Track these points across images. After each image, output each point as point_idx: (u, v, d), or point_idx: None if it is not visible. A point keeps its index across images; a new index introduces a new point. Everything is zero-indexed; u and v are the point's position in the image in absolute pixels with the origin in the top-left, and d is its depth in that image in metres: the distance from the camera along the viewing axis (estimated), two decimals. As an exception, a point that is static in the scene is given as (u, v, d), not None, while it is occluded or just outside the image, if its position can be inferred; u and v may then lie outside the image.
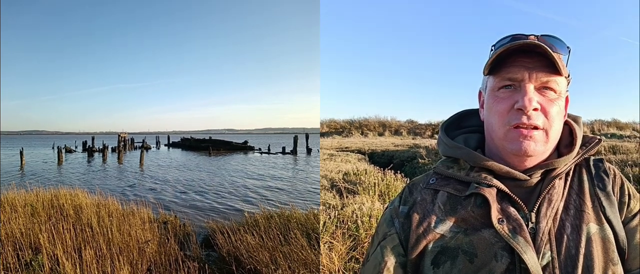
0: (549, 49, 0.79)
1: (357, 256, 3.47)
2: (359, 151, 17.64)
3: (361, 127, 34.33)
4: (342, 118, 35.88)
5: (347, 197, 5.69)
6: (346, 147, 19.69)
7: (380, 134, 32.33)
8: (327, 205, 5.03)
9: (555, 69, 0.81)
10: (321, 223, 3.97)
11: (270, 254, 3.58)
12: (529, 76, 0.81)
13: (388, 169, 7.55)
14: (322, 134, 29.36)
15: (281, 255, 3.51)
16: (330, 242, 3.56)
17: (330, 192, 6.33)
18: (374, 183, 6.55)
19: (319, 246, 3.82)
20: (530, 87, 0.81)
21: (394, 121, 35.34)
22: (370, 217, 4.18)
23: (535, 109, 0.80)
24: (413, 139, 26.83)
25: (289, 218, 4.78)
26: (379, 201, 5.51)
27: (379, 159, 14.80)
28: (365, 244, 3.67)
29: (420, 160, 13.44)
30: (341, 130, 33.86)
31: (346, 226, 3.91)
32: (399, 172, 7.56)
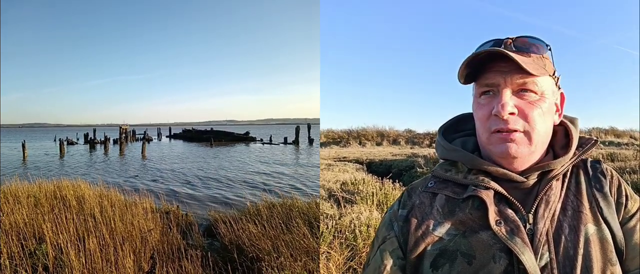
0: (517, 54, 0.80)
1: (355, 266, 3.45)
2: (357, 161, 17.62)
3: (359, 137, 34.36)
4: (340, 128, 35.96)
5: (345, 206, 5.64)
6: (344, 157, 19.69)
7: (379, 144, 32.37)
8: (325, 215, 5.02)
9: (527, 71, 0.80)
10: (319, 233, 3.96)
11: (272, 242, 3.60)
12: (504, 80, 0.82)
13: (386, 179, 7.55)
14: (320, 145, 29.32)
15: (283, 243, 3.53)
16: (327, 252, 3.54)
17: (328, 202, 6.29)
18: (372, 193, 6.51)
19: (321, 233, 3.84)
20: (507, 92, 0.81)
21: (392, 130, 35.42)
22: (368, 226, 4.15)
23: (512, 113, 0.81)
24: (411, 148, 26.91)
25: (291, 206, 4.80)
26: (377, 210, 5.45)
27: (377, 168, 14.79)
28: (363, 254, 3.65)
29: (418, 169, 13.44)
30: (339, 140, 33.89)
31: (344, 236, 3.90)
32: (397, 181, 7.55)
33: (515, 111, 0.81)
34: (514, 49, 0.83)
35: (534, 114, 0.82)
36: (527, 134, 0.82)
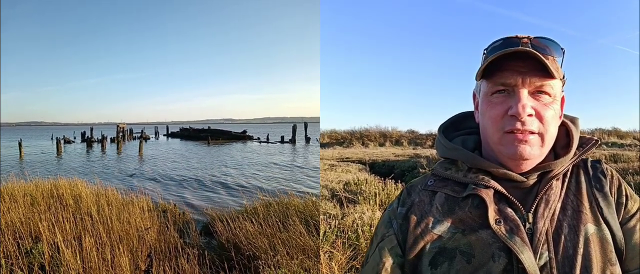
0: (540, 55, 0.78)
1: (358, 266, 3.46)
2: (360, 161, 17.56)
3: (362, 137, 34.20)
4: (343, 129, 35.73)
5: (347, 206, 5.68)
6: (347, 158, 19.62)
7: (381, 145, 32.19)
8: (328, 215, 5.03)
9: (548, 73, 0.80)
10: (321, 232, 3.95)
11: (269, 240, 3.61)
12: (522, 80, 0.80)
13: (389, 179, 7.58)
14: (323, 145, 29.19)
15: (280, 242, 3.55)
16: (330, 251, 3.55)
17: (331, 202, 6.31)
18: (375, 193, 6.57)
19: (317, 232, 3.85)
20: (524, 93, 0.80)
21: (394, 131, 35.17)
22: (370, 226, 4.17)
23: (529, 115, 0.80)
24: (414, 149, 26.77)
25: (288, 205, 4.82)
26: (379, 210, 5.51)
27: (380, 169, 14.76)
28: (366, 253, 3.68)
29: (421, 170, 13.40)
30: (342, 140, 33.73)
31: (346, 236, 3.92)
32: (399, 182, 7.59)
33: (533, 112, 0.80)
34: (531, 49, 0.81)
35: (548, 116, 0.82)
36: (541, 136, 0.82)
